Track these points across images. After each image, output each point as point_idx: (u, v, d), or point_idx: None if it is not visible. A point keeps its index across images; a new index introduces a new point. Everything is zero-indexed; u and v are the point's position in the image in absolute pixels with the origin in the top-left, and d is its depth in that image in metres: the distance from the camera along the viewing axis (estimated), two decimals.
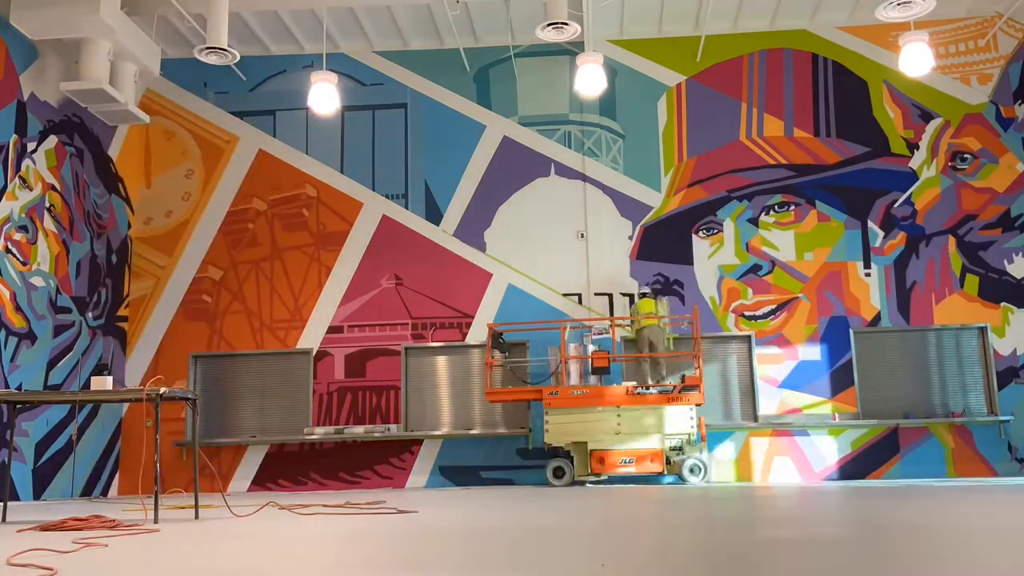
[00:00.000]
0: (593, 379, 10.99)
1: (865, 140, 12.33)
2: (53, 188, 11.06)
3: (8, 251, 10.16)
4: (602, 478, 11.00)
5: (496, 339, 11.24)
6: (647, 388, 10.50)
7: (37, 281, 10.64)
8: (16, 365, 10.17)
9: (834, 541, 3.48)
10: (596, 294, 12.17)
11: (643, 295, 11.44)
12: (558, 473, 10.62)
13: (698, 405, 10.48)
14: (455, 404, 12.13)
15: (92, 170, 11.96)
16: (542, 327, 11.80)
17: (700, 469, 10.33)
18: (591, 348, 10.94)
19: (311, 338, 12.44)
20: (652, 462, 10.19)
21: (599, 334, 11.33)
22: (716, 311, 12.02)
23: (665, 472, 10.39)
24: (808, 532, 3.89)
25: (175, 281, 12.74)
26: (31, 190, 10.65)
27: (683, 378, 10.47)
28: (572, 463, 10.64)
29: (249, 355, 12.49)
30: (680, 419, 10.35)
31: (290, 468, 12.09)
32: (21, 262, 10.37)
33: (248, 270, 12.73)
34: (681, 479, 10.50)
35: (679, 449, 10.45)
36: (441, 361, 12.27)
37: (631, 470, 10.24)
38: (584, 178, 12.59)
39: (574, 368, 10.77)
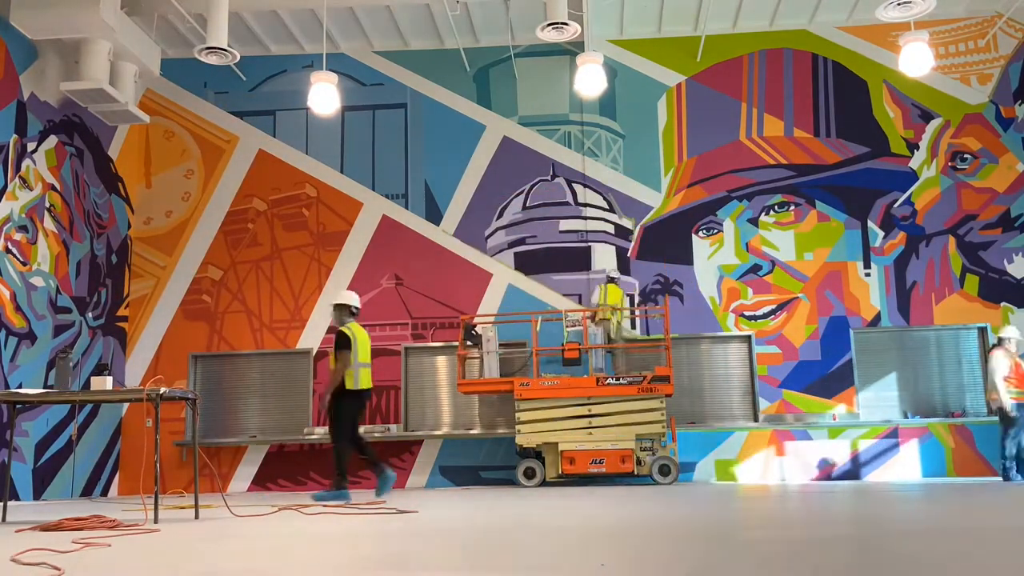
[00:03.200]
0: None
1: (865, 140, 12.33)
2: (53, 188, 11.06)
3: (8, 251, 10.16)
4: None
5: (468, 331, 11.34)
6: (617, 379, 10.48)
7: (37, 281, 10.64)
8: (16, 365, 10.18)
9: (834, 541, 3.49)
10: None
11: (611, 280, 11.42)
12: (528, 474, 10.58)
13: (668, 396, 10.47)
14: (455, 404, 12.12)
15: (92, 170, 11.96)
16: (515, 319, 11.90)
17: (670, 470, 10.23)
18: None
19: (311, 338, 12.44)
20: (623, 463, 10.14)
21: (572, 325, 11.26)
22: (716, 311, 12.02)
23: (636, 473, 10.32)
24: (808, 532, 3.89)
25: (175, 281, 12.74)
26: (31, 190, 10.65)
27: (653, 369, 10.45)
28: (543, 464, 10.58)
29: (249, 355, 12.49)
30: (650, 414, 10.41)
31: (290, 468, 12.09)
32: (21, 262, 10.37)
33: (248, 270, 12.73)
34: (652, 480, 10.40)
35: (650, 450, 10.37)
36: (441, 361, 12.27)
37: (602, 471, 10.19)
38: (584, 178, 12.59)
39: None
